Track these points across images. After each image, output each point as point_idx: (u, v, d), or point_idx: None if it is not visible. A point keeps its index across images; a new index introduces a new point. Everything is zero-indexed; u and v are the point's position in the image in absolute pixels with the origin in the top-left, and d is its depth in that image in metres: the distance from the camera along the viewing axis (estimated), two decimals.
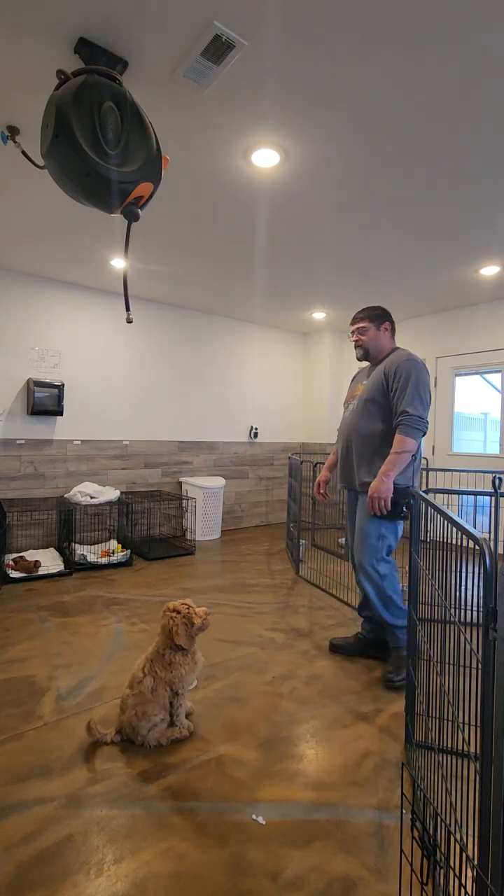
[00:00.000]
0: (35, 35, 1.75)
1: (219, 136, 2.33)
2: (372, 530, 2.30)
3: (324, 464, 2.84)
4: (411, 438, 2.20)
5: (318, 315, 5.60)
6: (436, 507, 1.46)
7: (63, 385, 4.41)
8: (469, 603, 1.24)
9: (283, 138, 2.32)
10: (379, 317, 2.45)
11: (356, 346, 2.50)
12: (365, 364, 2.62)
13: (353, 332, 2.50)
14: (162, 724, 1.81)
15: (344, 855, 1.35)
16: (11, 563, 3.84)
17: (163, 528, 5.20)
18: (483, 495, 2.49)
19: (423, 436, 2.26)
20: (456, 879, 1.16)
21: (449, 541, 1.36)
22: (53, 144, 1.71)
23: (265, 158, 2.48)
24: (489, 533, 2.55)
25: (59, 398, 4.37)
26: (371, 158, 2.47)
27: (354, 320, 2.49)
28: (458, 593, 1.29)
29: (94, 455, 4.82)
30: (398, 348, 2.44)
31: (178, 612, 1.85)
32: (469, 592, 1.23)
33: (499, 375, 5.09)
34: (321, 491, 2.77)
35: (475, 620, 1.03)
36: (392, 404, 2.29)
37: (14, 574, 3.69)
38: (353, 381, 2.69)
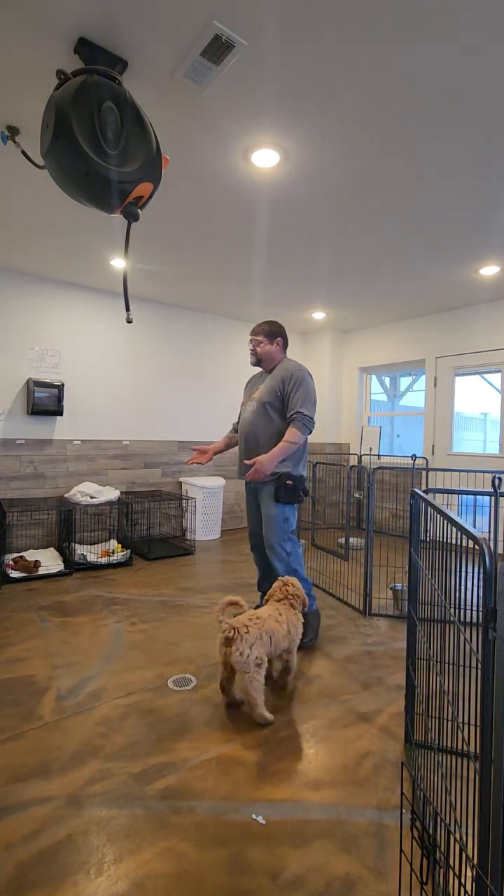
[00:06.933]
0: (35, 35, 1.75)
1: (219, 136, 2.33)
2: (278, 515, 2.67)
3: (323, 463, 2.95)
4: (301, 433, 2.63)
5: (318, 315, 5.60)
6: (436, 507, 1.46)
7: (63, 385, 4.41)
8: (469, 603, 1.24)
9: (283, 138, 2.32)
10: (272, 333, 2.84)
11: (251, 354, 2.88)
12: (256, 371, 3.02)
13: (250, 342, 2.88)
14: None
15: (344, 854, 1.35)
16: (11, 562, 3.84)
17: (163, 527, 5.20)
18: (483, 495, 2.49)
19: (310, 433, 2.70)
20: (455, 879, 1.16)
21: (449, 541, 1.36)
22: (53, 144, 1.71)
23: (265, 158, 2.48)
24: (489, 533, 2.55)
25: (59, 398, 4.37)
26: (371, 158, 2.47)
27: (253, 333, 2.86)
28: (457, 593, 1.29)
29: (94, 455, 4.82)
30: (287, 359, 2.87)
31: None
32: (469, 592, 1.23)
33: (498, 375, 5.09)
34: (207, 459, 3.02)
35: (475, 620, 1.03)
36: (286, 405, 2.68)
37: (14, 574, 3.69)
38: (247, 386, 3.06)
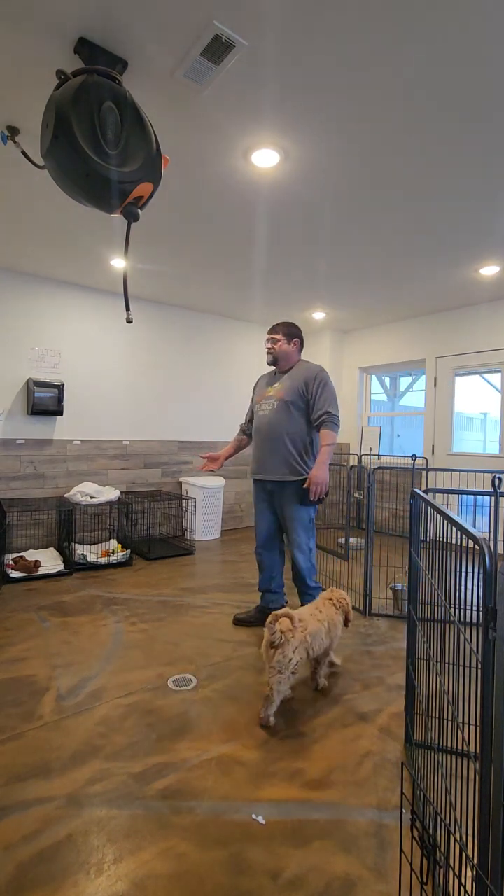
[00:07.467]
0: (35, 35, 1.75)
1: (219, 136, 2.33)
2: (304, 515, 2.73)
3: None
4: (335, 433, 2.66)
5: (318, 315, 5.60)
6: (436, 507, 1.46)
7: (63, 385, 4.41)
8: (469, 603, 1.24)
9: (282, 138, 2.32)
10: (291, 334, 2.85)
11: (268, 353, 2.88)
12: (265, 374, 3.04)
13: (267, 341, 2.88)
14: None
15: (344, 854, 1.35)
16: (11, 562, 3.84)
17: (163, 527, 5.20)
18: (483, 495, 2.49)
19: (339, 429, 2.75)
20: (455, 879, 1.16)
21: (449, 541, 1.36)
22: (53, 144, 1.71)
23: (265, 158, 2.48)
24: (489, 533, 2.55)
25: (59, 398, 4.37)
26: (371, 158, 2.47)
27: (271, 332, 2.87)
28: (457, 593, 1.29)
29: (94, 455, 4.82)
30: (306, 360, 2.89)
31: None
32: (469, 592, 1.23)
33: (499, 375, 5.09)
34: (217, 466, 3.06)
35: (475, 620, 1.03)
36: (311, 405, 2.71)
37: (14, 574, 3.69)
38: (257, 386, 3.07)
